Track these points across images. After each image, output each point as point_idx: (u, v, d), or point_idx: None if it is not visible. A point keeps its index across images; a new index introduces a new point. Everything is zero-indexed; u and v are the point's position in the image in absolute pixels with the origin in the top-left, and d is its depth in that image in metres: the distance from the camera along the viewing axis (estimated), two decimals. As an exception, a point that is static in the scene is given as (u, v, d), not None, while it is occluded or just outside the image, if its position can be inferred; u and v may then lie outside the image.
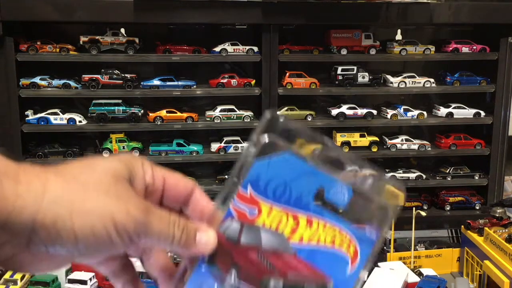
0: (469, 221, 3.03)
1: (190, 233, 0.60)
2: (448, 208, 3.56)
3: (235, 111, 3.33)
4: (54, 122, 3.23)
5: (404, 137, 3.55)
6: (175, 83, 3.32)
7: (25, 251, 0.53)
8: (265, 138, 0.62)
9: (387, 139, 3.53)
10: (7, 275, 2.69)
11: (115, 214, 0.54)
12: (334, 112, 3.40)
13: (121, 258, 0.64)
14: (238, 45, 3.28)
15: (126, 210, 0.54)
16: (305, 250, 0.61)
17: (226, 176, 3.30)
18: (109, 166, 0.57)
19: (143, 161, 0.61)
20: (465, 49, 3.44)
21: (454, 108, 3.50)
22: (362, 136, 3.46)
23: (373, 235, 0.61)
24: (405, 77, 3.46)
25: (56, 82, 3.23)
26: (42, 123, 3.22)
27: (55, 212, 0.51)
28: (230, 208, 0.61)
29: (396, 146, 3.51)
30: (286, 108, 3.42)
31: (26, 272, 0.58)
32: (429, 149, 3.54)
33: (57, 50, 3.17)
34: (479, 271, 2.89)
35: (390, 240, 3.08)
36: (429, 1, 3.25)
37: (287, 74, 3.35)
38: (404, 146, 3.51)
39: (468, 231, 3.01)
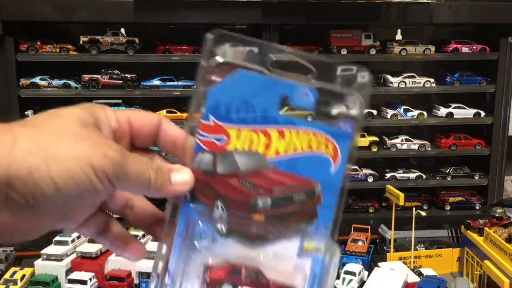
0: (469, 221, 3.03)
1: (164, 174, 0.58)
2: (448, 208, 3.56)
3: (235, 111, 3.33)
4: (54, 122, 3.23)
5: (404, 137, 3.55)
6: (175, 83, 3.32)
7: (3, 210, 0.51)
8: (213, 61, 0.58)
9: (387, 139, 3.53)
10: (7, 275, 2.69)
11: (91, 157, 0.52)
12: (334, 112, 3.40)
13: (103, 215, 0.62)
14: (238, 45, 3.28)
15: (101, 153, 0.53)
16: (284, 161, 0.59)
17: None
18: (73, 113, 0.56)
19: (104, 107, 0.60)
20: (465, 49, 3.44)
21: (454, 108, 3.50)
22: (362, 136, 3.45)
23: (348, 128, 0.59)
24: (405, 77, 3.46)
25: (56, 82, 3.23)
26: (42, 123, 3.22)
27: (29, 162, 0.50)
28: (198, 142, 0.59)
29: (396, 146, 3.51)
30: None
31: (8, 240, 0.56)
32: (429, 149, 3.54)
33: (57, 50, 3.17)
34: (479, 271, 2.89)
35: (390, 240, 3.09)
36: (429, 1, 3.25)
37: (287, 74, 3.35)
38: (404, 146, 3.51)
39: (468, 231, 3.01)
